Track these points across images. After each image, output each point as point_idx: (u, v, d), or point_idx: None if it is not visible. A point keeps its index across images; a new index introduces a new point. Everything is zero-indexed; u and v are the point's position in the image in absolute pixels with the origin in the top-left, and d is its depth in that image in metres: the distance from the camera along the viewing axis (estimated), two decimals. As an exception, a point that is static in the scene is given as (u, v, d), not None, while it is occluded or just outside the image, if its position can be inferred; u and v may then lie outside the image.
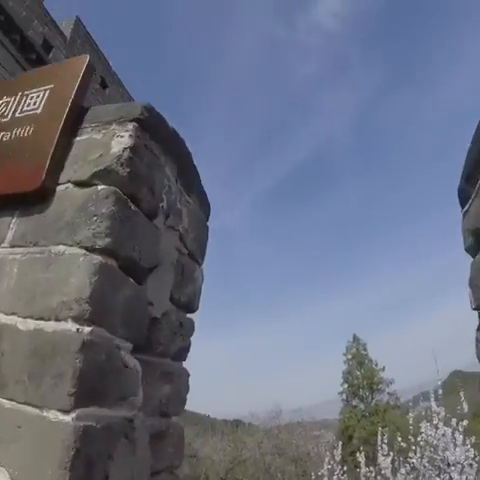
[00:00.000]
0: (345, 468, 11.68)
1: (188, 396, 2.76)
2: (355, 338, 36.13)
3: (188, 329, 2.76)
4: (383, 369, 34.89)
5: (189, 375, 2.77)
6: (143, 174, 2.32)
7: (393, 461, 10.32)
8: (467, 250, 2.53)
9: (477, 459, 8.47)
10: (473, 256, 2.47)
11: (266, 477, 23.39)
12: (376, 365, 35.16)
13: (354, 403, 34.53)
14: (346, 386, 35.17)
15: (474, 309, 2.38)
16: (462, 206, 2.56)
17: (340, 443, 12.70)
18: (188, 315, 2.79)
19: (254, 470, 23.68)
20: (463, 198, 2.52)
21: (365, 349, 35.66)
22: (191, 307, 2.82)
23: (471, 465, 8.24)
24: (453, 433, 8.57)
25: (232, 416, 37.70)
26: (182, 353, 2.69)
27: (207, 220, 3.20)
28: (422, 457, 9.24)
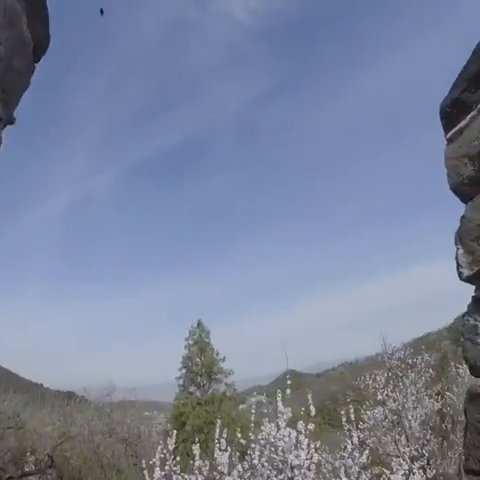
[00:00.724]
0: (178, 458, 11.61)
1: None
2: (199, 324, 36.10)
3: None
4: (224, 359, 35.27)
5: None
6: None
7: (230, 456, 10.44)
8: (455, 189, 2.30)
9: (320, 462, 8.83)
10: (464, 197, 2.26)
11: (94, 457, 22.99)
12: (217, 354, 35.43)
13: (191, 390, 34.59)
14: (184, 371, 35.06)
15: (463, 280, 2.24)
16: (448, 130, 2.33)
17: (174, 432, 12.63)
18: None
19: (82, 448, 23.19)
20: (448, 119, 2.31)
21: (208, 337, 35.72)
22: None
23: (311, 469, 8.53)
24: (298, 435, 8.78)
25: (66, 387, 36.67)
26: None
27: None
28: (261, 456, 9.42)
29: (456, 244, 2.27)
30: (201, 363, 34.54)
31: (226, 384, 34.76)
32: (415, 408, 17.81)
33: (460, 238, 2.24)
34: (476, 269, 2.14)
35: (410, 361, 19.12)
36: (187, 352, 35.24)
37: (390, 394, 17.99)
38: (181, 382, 34.98)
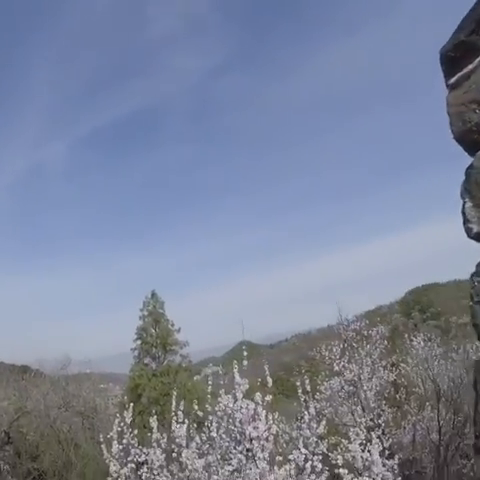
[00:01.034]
0: (136, 432, 11.55)
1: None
2: (153, 295, 35.73)
3: None
4: (179, 330, 35.15)
5: None
6: None
7: (188, 429, 10.43)
8: (460, 138, 2.18)
9: (277, 433, 8.87)
10: (471, 146, 2.13)
11: (51, 431, 22.83)
12: (172, 325, 35.27)
13: (146, 361, 34.48)
14: (139, 343, 34.81)
15: (472, 237, 2.10)
16: (450, 76, 2.22)
17: (131, 405, 12.56)
18: None
19: (39, 423, 23.02)
20: (451, 65, 2.20)
21: (162, 308, 35.44)
22: None
23: (269, 440, 8.56)
24: (255, 407, 8.78)
25: (20, 361, 36.21)
26: None
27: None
28: (219, 427, 9.42)
29: (463, 197, 2.12)
30: (156, 334, 34.30)
31: (181, 355, 34.48)
32: (370, 379, 18.09)
33: (468, 191, 2.08)
34: None
35: (365, 333, 19.35)
36: (141, 323, 34.92)
37: (346, 365, 18.25)
38: (136, 353, 34.65)
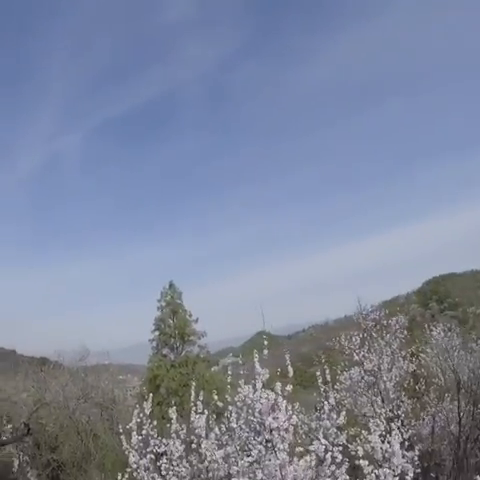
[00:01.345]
0: (155, 422, 11.54)
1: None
2: (171, 285, 35.75)
3: None
4: (196, 321, 35.20)
5: None
6: None
7: (207, 420, 10.40)
8: None
9: (296, 424, 8.79)
10: None
11: (70, 422, 22.97)
12: (190, 316, 35.32)
13: (164, 352, 34.55)
14: (157, 334, 34.86)
15: None
16: None
17: (150, 395, 12.54)
18: None
19: (58, 414, 23.15)
20: None
21: (180, 298, 35.53)
22: None
23: (289, 430, 8.48)
24: (276, 397, 8.70)
25: (39, 353, 36.48)
26: None
27: None
28: (238, 418, 9.37)
29: None
30: (173, 325, 34.33)
31: (199, 346, 34.57)
32: (390, 369, 17.95)
33: None
34: None
35: (385, 322, 19.18)
36: (159, 314, 34.98)
37: (366, 355, 18.10)
38: (154, 344, 34.77)
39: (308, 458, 8.25)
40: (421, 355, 21.17)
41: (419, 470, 11.52)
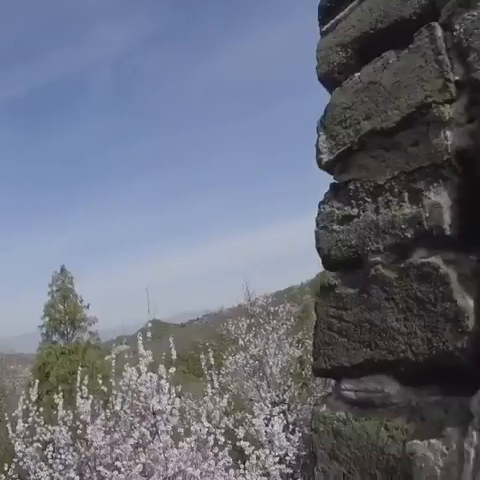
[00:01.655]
0: (41, 409, 11.35)
1: None
2: (63, 271, 34.88)
3: None
4: (88, 306, 34.48)
5: None
6: None
7: (93, 405, 10.33)
8: (324, 78, 2.30)
9: (179, 407, 8.95)
10: (333, 85, 2.24)
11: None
12: (81, 301, 34.61)
13: (54, 338, 33.74)
14: (47, 320, 33.98)
15: (322, 167, 2.22)
16: (323, 24, 2.33)
17: (37, 381, 12.33)
18: None
19: None
20: (326, 13, 2.32)
21: (71, 283, 34.83)
22: None
23: (173, 414, 8.61)
24: (159, 380, 8.80)
25: None
26: None
27: None
28: (123, 402, 9.40)
29: (318, 131, 2.25)
30: (64, 310, 33.60)
31: (90, 332, 34.18)
32: (276, 355, 18.39)
33: (323, 124, 2.22)
34: (337, 152, 2.13)
35: (272, 309, 19.69)
36: (50, 299, 34.12)
37: (252, 340, 18.53)
38: (44, 331, 33.88)
39: (189, 439, 8.45)
40: (308, 342, 21.91)
41: (304, 453, 11.96)
